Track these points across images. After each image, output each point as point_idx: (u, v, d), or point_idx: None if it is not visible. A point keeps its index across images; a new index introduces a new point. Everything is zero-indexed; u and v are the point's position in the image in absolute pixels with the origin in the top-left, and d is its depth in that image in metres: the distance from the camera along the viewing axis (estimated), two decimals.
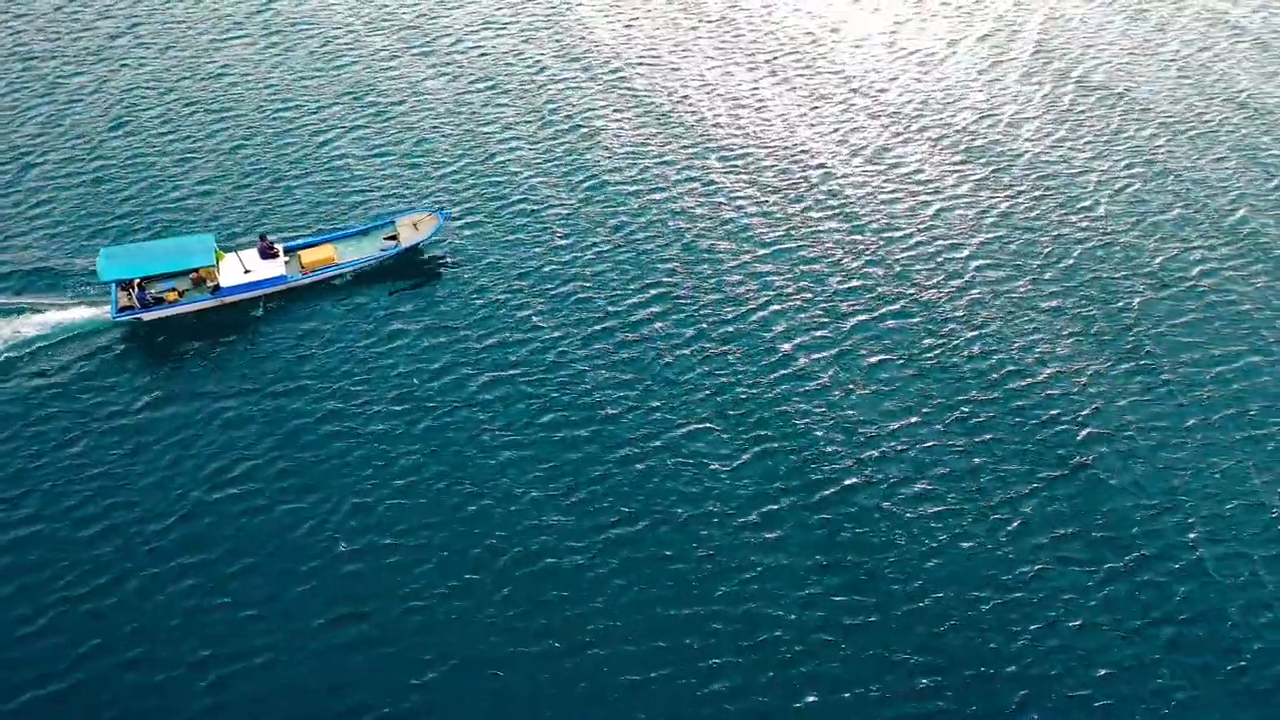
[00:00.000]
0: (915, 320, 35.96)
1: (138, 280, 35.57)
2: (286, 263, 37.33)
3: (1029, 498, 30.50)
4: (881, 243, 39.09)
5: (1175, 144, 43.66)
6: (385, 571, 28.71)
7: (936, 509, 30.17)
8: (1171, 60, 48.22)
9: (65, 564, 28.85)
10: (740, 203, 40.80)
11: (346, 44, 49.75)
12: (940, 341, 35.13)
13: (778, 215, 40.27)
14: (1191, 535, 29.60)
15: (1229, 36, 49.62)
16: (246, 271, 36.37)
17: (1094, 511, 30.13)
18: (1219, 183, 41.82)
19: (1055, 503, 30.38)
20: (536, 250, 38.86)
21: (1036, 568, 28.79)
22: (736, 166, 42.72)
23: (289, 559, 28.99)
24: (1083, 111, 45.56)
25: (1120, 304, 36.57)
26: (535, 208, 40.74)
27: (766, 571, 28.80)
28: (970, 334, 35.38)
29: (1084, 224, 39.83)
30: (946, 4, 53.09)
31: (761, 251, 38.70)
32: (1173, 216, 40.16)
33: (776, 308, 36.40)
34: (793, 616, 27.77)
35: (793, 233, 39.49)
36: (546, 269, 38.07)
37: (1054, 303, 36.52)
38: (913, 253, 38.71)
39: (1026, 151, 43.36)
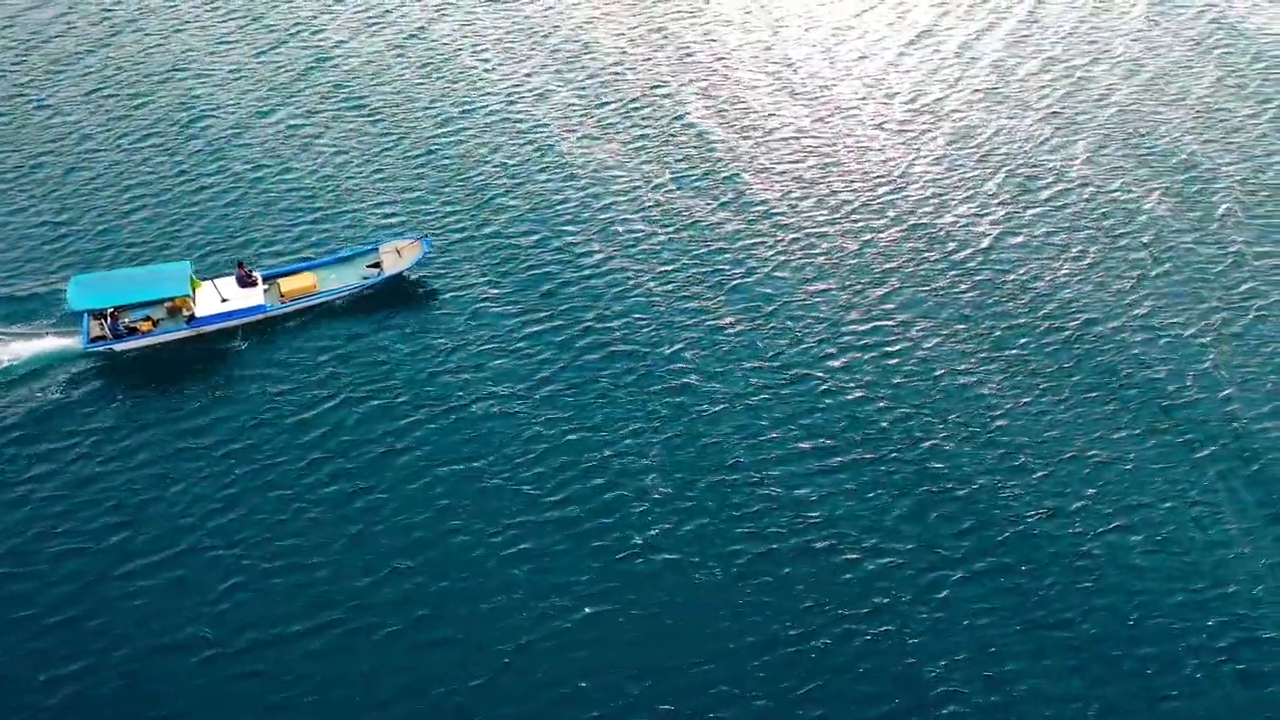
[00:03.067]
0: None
1: (110, 309, 34.42)
2: (265, 291, 36.25)
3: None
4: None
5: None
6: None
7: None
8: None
9: (31, 595, 27.74)
10: (731, 221, 40.07)
11: (328, 68, 48.83)
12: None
13: (775, 233, 39.59)
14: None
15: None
16: (223, 300, 35.28)
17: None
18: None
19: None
20: (523, 278, 37.93)
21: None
22: (726, 185, 41.96)
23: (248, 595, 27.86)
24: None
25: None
26: (522, 235, 39.82)
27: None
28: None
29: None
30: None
31: (757, 274, 37.99)
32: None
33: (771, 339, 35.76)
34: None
35: (788, 255, 38.87)
36: (534, 297, 37.13)
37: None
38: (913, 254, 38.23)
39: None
